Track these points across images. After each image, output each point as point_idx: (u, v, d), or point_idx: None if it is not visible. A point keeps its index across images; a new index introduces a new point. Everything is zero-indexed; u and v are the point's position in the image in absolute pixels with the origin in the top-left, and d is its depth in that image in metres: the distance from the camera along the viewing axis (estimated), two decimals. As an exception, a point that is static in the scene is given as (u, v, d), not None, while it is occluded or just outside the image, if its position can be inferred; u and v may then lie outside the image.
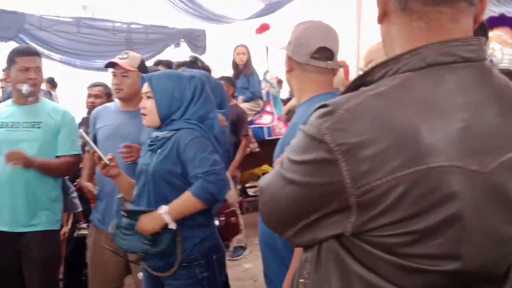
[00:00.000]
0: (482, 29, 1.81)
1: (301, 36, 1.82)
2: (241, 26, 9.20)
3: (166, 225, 2.09)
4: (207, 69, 4.10)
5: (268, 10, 9.27)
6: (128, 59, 2.83)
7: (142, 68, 2.91)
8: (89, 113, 3.61)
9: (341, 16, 7.05)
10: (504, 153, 0.86)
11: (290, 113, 3.99)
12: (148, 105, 2.22)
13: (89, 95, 4.00)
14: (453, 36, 0.88)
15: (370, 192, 0.82)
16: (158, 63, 4.92)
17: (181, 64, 3.86)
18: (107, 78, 6.12)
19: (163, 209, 2.08)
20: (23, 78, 2.77)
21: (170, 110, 2.21)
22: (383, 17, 0.95)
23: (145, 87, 2.25)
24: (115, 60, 2.82)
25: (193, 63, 3.90)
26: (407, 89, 0.85)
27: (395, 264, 0.85)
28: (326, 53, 1.80)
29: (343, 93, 0.92)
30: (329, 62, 1.80)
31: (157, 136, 2.22)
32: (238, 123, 4.74)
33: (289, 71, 1.89)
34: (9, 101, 2.95)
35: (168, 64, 4.78)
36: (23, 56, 2.81)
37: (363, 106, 0.84)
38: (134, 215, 2.17)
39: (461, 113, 0.84)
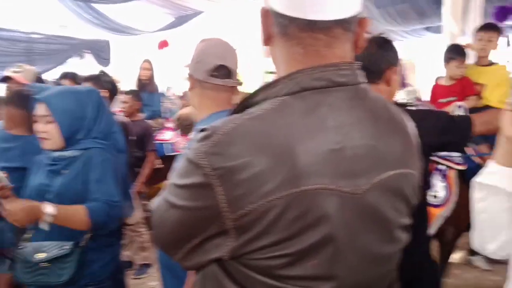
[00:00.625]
0: (394, 52, 1.90)
1: (200, 53, 1.83)
2: (148, 39, 9.10)
3: (39, 218, 1.89)
4: (113, 83, 4.02)
5: (176, 23, 9.25)
6: (23, 72, 2.71)
7: (37, 82, 2.80)
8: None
9: (246, 32, 7.19)
10: (377, 174, 0.90)
11: (180, 120, 4.00)
12: (48, 129, 2.08)
13: None
14: (328, 61, 0.91)
15: (246, 215, 0.83)
16: (64, 76, 4.74)
17: (87, 78, 3.74)
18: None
19: (50, 207, 1.92)
20: None
21: (73, 131, 2.11)
22: (268, 40, 0.97)
23: (43, 110, 2.08)
24: (9, 73, 2.69)
25: (99, 77, 3.80)
26: (283, 113, 0.87)
27: (273, 287, 0.87)
28: (224, 71, 1.81)
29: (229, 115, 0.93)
30: (227, 80, 1.81)
31: (59, 156, 2.10)
32: (144, 137, 4.66)
33: (191, 88, 1.88)
34: None
35: (73, 77, 4.62)
36: None
37: (240, 130, 0.85)
38: None
39: (334, 136, 0.87)
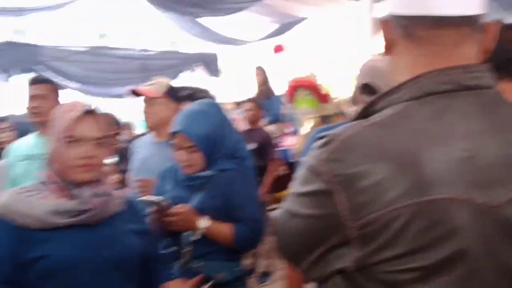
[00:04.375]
0: None
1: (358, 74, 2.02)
2: (255, 48, 9.24)
3: (194, 228, 2.06)
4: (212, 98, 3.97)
5: (281, 30, 9.31)
6: (153, 85, 2.76)
7: (170, 94, 2.81)
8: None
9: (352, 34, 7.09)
10: None
11: None
12: (192, 158, 2.14)
13: None
14: (456, 62, 0.86)
15: (370, 224, 0.80)
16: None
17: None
18: (124, 105, 6.09)
19: (205, 221, 2.06)
20: (29, 107, 2.71)
21: (213, 153, 2.17)
22: (389, 48, 0.94)
23: (184, 141, 2.13)
24: (138, 88, 2.77)
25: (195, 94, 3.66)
26: (405, 118, 0.84)
27: None
28: (369, 89, 1.91)
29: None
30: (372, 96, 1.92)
31: (197, 175, 2.16)
32: (265, 146, 4.69)
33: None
34: (35, 133, 2.85)
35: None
36: (31, 85, 2.78)
37: (359, 136, 0.84)
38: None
39: (463, 142, 0.81)
